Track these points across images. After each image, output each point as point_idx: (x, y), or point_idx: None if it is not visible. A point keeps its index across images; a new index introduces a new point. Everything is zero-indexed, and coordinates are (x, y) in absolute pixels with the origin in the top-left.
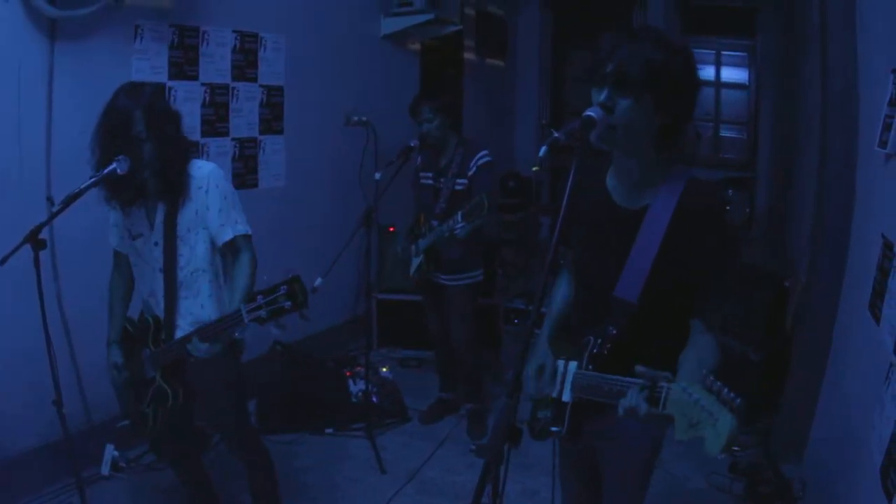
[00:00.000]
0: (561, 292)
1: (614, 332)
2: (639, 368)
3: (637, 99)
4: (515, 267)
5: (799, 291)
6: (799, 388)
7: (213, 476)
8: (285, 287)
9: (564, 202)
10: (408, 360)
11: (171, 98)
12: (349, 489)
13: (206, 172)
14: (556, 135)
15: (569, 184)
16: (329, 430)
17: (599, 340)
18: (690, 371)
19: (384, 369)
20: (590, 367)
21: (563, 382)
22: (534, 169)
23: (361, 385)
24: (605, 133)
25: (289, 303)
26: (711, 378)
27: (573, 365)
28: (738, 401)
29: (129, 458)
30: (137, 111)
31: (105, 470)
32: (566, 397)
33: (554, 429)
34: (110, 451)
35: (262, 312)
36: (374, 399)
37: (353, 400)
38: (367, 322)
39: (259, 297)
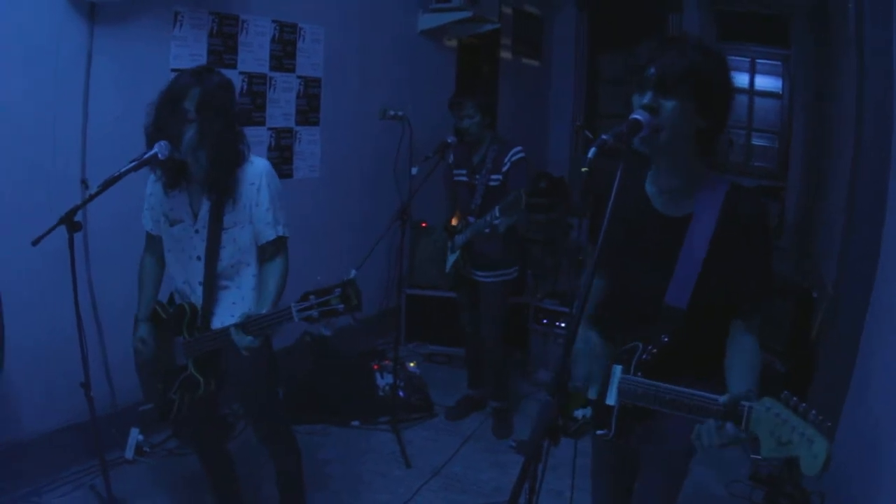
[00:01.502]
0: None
1: (666, 339)
2: (722, 399)
3: (681, 100)
4: (544, 267)
5: (826, 303)
6: (822, 400)
7: (237, 464)
8: (340, 289)
9: (610, 204)
10: (435, 355)
11: None
12: (373, 482)
13: (260, 170)
14: (604, 137)
15: (614, 186)
16: (355, 423)
17: (650, 347)
18: (741, 375)
19: (412, 364)
20: (638, 373)
21: (605, 385)
22: (583, 170)
23: (389, 379)
24: (650, 136)
25: (342, 305)
26: (796, 399)
27: (617, 368)
28: (828, 422)
29: (153, 443)
30: (195, 90)
31: (129, 454)
32: (611, 401)
33: (601, 431)
34: (135, 436)
35: (314, 312)
36: (401, 393)
37: (380, 393)
38: (396, 316)
39: (311, 297)
